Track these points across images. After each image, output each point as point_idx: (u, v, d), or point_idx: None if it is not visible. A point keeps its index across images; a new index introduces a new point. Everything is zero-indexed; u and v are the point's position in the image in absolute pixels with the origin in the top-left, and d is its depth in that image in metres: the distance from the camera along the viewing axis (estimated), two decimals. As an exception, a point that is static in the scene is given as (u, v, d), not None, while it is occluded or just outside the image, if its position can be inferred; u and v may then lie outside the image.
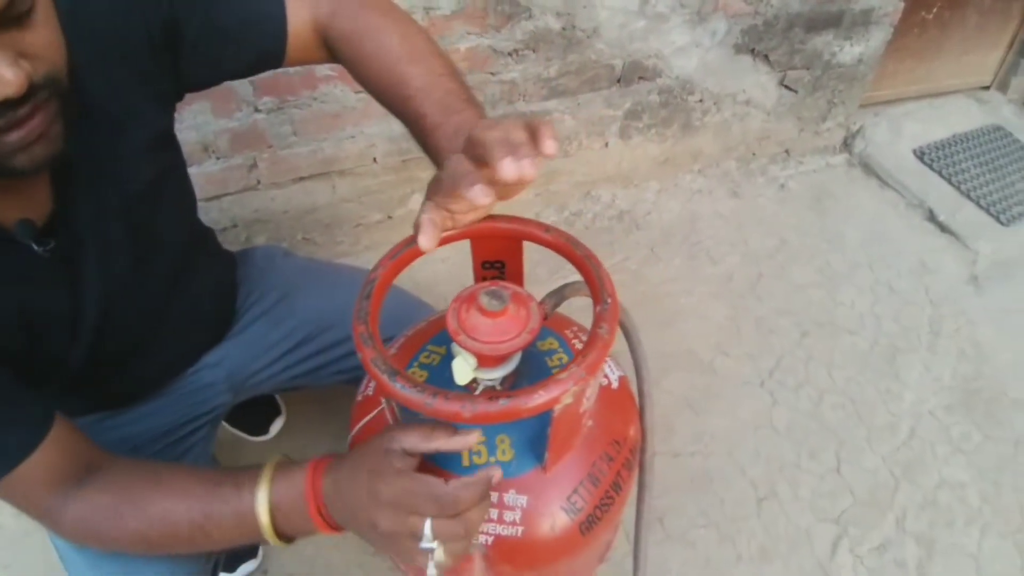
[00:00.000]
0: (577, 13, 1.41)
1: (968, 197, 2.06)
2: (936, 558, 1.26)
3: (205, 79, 0.72)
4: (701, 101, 1.76)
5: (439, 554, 0.51)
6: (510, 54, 1.41)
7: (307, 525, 0.57)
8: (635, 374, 0.74)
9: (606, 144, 1.72)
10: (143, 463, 0.64)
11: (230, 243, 1.46)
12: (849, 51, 1.89)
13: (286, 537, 0.60)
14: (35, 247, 0.58)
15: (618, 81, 1.59)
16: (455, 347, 0.58)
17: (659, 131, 1.77)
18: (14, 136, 0.47)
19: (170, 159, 0.74)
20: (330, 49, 0.71)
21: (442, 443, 0.54)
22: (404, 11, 0.71)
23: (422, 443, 0.53)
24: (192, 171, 1.31)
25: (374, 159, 1.45)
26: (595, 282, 0.59)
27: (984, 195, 2.06)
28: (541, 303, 0.63)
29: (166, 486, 0.60)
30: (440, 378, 0.66)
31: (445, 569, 0.53)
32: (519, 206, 1.74)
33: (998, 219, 1.99)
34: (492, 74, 1.43)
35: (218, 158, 1.34)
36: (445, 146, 0.62)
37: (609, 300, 0.57)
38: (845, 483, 1.34)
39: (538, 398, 0.51)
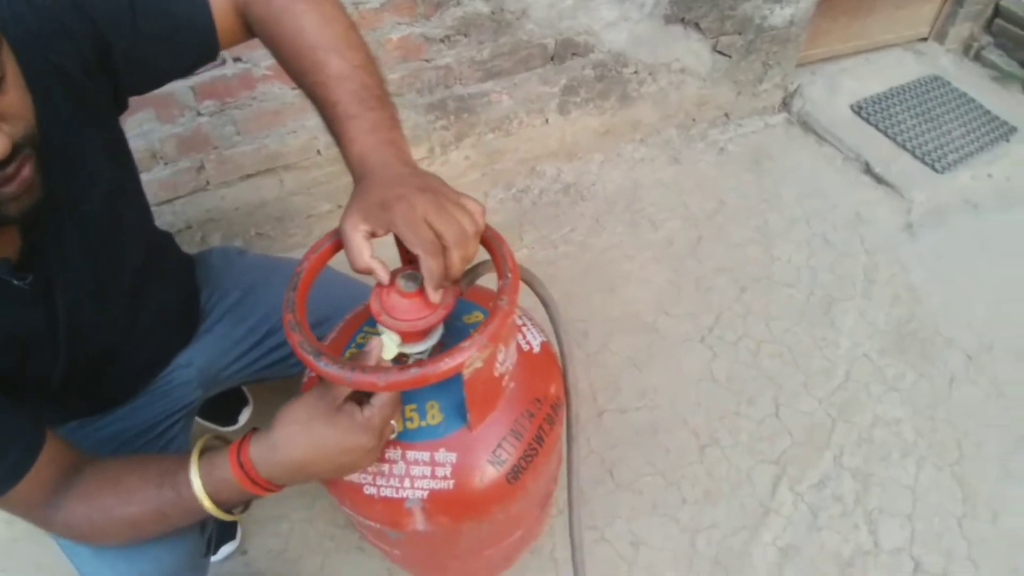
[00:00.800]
0: (505, -4, 1.46)
1: (904, 148, 2.14)
2: (873, 491, 1.36)
3: (145, 85, 0.75)
4: (636, 73, 1.82)
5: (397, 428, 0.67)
6: (442, 40, 1.46)
7: (244, 496, 0.65)
8: (556, 338, 0.81)
9: (546, 120, 1.78)
10: (107, 467, 0.69)
11: (186, 244, 1.50)
12: (779, 14, 1.95)
13: (234, 508, 0.67)
14: (15, 282, 0.64)
15: (552, 59, 1.64)
16: (380, 327, 0.65)
17: (597, 104, 1.83)
18: (5, 191, 0.52)
19: (122, 175, 0.77)
20: (251, 31, 0.74)
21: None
22: None
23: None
24: (143, 178, 1.35)
25: (318, 151, 1.49)
26: (498, 259, 0.66)
27: (920, 145, 2.14)
28: (456, 282, 0.69)
29: (124, 491, 0.67)
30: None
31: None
32: (467, 187, 1.80)
33: (933, 167, 2.08)
34: (427, 61, 1.48)
35: (166, 163, 1.38)
36: (359, 138, 0.66)
37: (510, 275, 0.64)
38: (783, 426, 1.44)
39: (444, 365, 0.58)
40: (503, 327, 0.61)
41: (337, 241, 0.66)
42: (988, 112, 2.32)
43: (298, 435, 0.62)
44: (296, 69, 0.71)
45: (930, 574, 1.26)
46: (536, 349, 0.83)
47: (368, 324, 0.82)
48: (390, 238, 0.61)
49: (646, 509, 1.29)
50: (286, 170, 1.50)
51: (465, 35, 1.48)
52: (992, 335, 1.64)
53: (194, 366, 0.96)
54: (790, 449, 1.40)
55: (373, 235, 0.59)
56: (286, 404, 0.64)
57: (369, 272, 0.59)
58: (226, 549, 1.21)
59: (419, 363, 0.58)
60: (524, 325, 0.85)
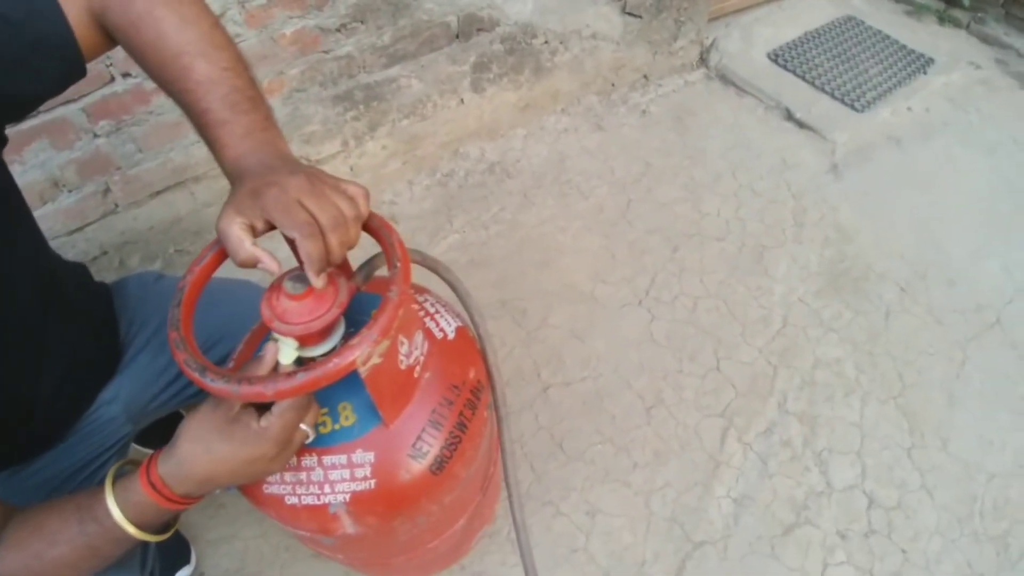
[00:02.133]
0: (398, -23, 1.42)
1: (823, 91, 2.17)
2: (820, 432, 1.39)
3: (16, 114, 0.69)
4: (547, 43, 1.80)
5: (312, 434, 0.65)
6: (338, 30, 1.41)
7: (164, 514, 0.63)
8: (470, 320, 0.79)
9: (461, 100, 1.74)
10: (29, 515, 0.66)
11: (104, 271, 1.44)
12: (684, -32, 1.96)
13: (162, 529, 0.65)
14: None
15: (457, 37, 1.61)
16: (273, 333, 0.62)
17: (511, 79, 1.80)
18: None
19: (5, 207, 0.71)
20: (113, 39, 0.68)
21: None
22: None
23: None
24: (47, 208, 1.29)
25: (225, 158, 1.44)
26: (387, 249, 0.64)
27: (838, 86, 2.17)
28: (353, 276, 0.67)
29: (48, 534, 0.64)
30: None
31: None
32: (390, 177, 1.76)
33: (853, 107, 2.11)
34: (325, 52, 1.43)
35: (70, 191, 1.31)
36: (233, 144, 0.63)
37: (399, 264, 0.62)
38: (726, 379, 1.46)
39: (333, 366, 0.56)
40: (394, 319, 0.59)
41: (220, 249, 0.63)
42: (904, 47, 2.37)
43: (198, 452, 0.60)
44: (162, 78, 0.66)
45: (885, 507, 1.29)
46: (451, 335, 0.81)
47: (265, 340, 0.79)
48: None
49: (599, 478, 1.29)
50: (196, 182, 1.44)
51: (361, 22, 1.43)
52: (924, 263, 1.69)
53: (119, 401, 0.92)
54: (734, 401, 1.42)
55: (252, 229, 0.56)
56: (186, 418, 0.62)
57: (254, 264, 0.56)
58: (182, 573, 1.17)
59: (307, 367, 0.56)
60: (436, 312, 0.83)
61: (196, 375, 0.55)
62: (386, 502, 0.70)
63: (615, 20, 1.91)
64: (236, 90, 0.65)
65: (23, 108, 0.70)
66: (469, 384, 0.78)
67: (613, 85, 2.09)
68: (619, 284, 1.61)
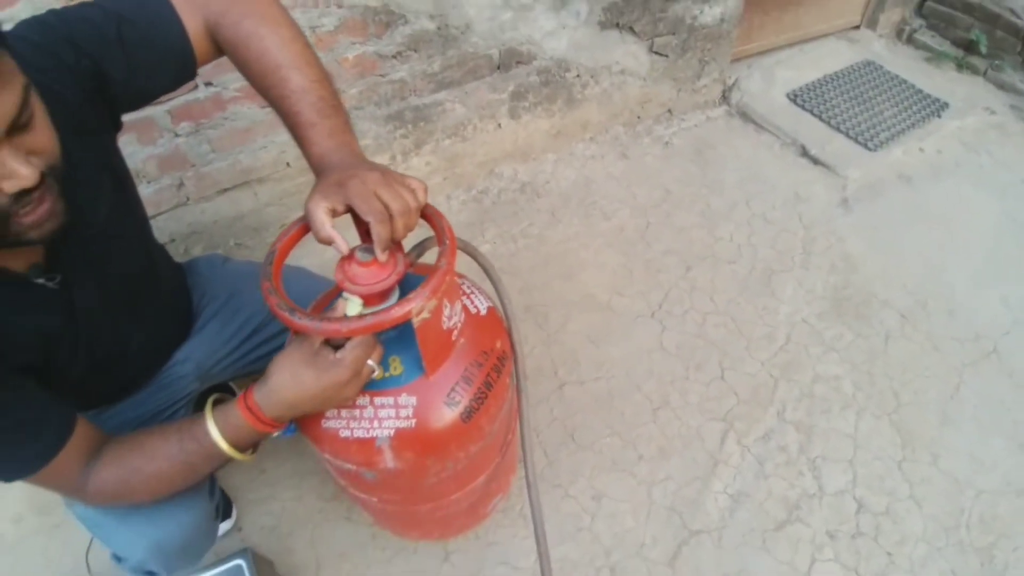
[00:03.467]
0: (448, 13, 1.60)
1: (838, 130, 2.29)
2: (816, 440, 1.49)
3: (137, 104, 0.86)
4: (578, 76, 1.97)
5: (377, 370, 0.79)
6: (394, 56, 1.59)
7: (255, 435, 0.78)
8: (499, 302, 0.93)
9: (499, 125, 1.92)
10: (129, 437, 0.81)
11: (171, 256, 1.61)
12: (709, 12, 2.11)
13: (247, 449, 0.80)
14: (47, 283, 0.75)
15: (498, 68, 1.79)
16: (344, 293, 0.77)
17: (545, 107, 1.97)
18: (29, 218, 0.62)
19: (121, 192, 0.87)
20: (221, 51, 0.85)
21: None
22: (283, 17, 0.82)
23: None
24: (129, 197, 1.47)
25: (287, 164, 1.62)
26: (439, 231, 0.79)
27: (853, 126, 2.29)
28: (407, 254, 0.82)
29: (149, 451, 0.79)
30: None
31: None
32: (430, 191, 1.92)
33: (866, 146, 2.23)
34: (382, 76, 1.61)
35: (149, 182, 1.49)
36: (319, 142, 0.79)
37: (447, 241, 0.77)
38: (729, 387, 1.57)
39: (395, 312, 0.71)
40: (442, 283, 0.74)
41: (303, 225, 0.79)
42: (920, 91, 2.48)
43: (287, 380, 0.75)
44: (262, 85, 0.82)
45: (873, 512, 1.38)
46: (482, 312, 0.95)
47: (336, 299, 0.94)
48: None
49: (606, 466, 1.41)
50: (259, 183, 1.62)
51: (415, 51, 1.61)
52: (926, 294, 1.78)
53: (191, 361, 1.08)
54: (736, 407, 1.53)
55: (334, 212, 0.71)
56: (276, 356, 0.77)
57: (330, 241, 0.71)
58: (223, 527, 1.31)
59: (373, 312, 0.71)
60: (471, 292, 0.97)
61: (286, 314, 0.71)
62: (423, 440, 0.83)
63: (643, 58, 2.07)
64: (322, 99, 0.81)
65: (143, 101, 0.87)
66: (495, 353, 0.92)
67: (639, 117, 2.24)
68: (634, 297, 1.74)
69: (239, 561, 1.07)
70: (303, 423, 0.86)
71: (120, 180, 0.89)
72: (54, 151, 0.63)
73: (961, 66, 2.62)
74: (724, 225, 1.94)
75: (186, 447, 0.78)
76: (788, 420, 1.52)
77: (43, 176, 0.61)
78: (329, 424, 0.83)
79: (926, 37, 2.75)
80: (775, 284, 1.80)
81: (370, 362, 0.78)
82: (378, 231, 0.69)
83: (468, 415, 0.86)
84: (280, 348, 1.16)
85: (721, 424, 1.50)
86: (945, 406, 1.56)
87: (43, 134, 0.61)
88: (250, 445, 0.81)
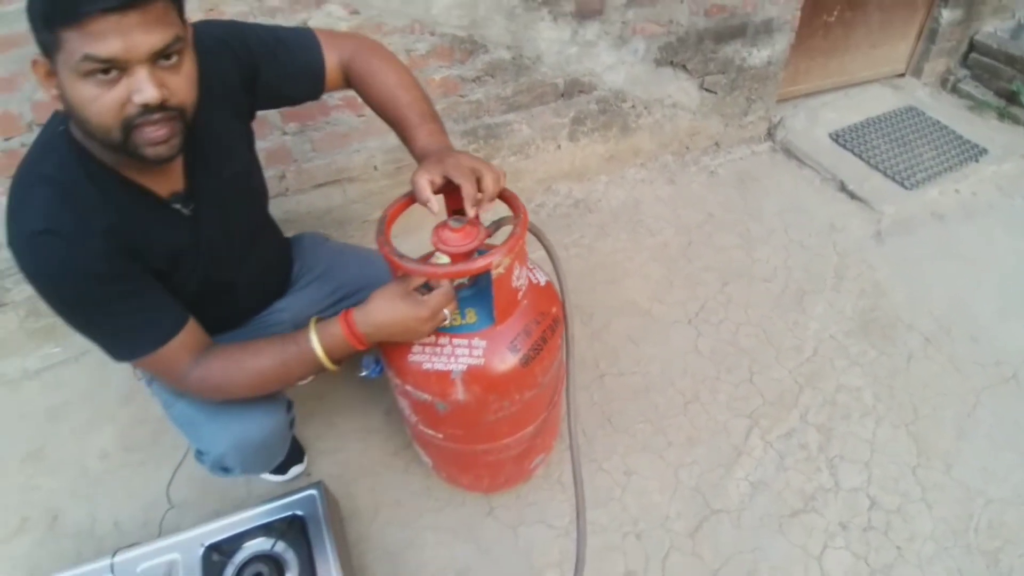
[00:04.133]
0: (523, 46, 1.84)
1: (876, 169, 2.43)
2: (834, 442, 1.61)
3: (270, 106, 1.14)
4: (633, 107, 2.18)
5: (449, 318, 0.99)
6: (474, 80, 1.84)
7: (346, 347, 0.98)
8: (555, 272, 1.12)
9: (559, 146, 2.14)
10: (239, 340, 1.03)
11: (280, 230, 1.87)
12: (757, 55, 2.31)
13: (337, 361, 1.00)
14: (182, 209, 0.99)
15: (562, 95, 2.01)
16: (437, 253, 0.98)
17: (602, 133, 2.19)
18: (146, 135, 0.80)
19: (251, 161, 1.14)
20: (348, 82, 1.13)
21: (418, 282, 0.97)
22: (394, 57, 1.12)
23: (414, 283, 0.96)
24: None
25: (375, 167, 1.87)
26: (515, 207, 1.00)
27: (891, 166, 2.42)
28: (488, 227, 1.03)
29: (253, 351, 1.01)
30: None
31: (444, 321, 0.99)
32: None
33: (903, 185, 2.35)
34: (461, 96, 1.85)
35: (257, 170, 1.76)
36: (420, 140, 1.05)
37: (521, 214, 0.98)
38: (756, 389, 1.71)
39: (479, 262, 0.91)
40: (516, 244, 0.94)
41: (410, 196, 1.01)
42: (960, 137, 2.60)
43: (383, 306, 0.96)
44: (379, 104, 1.11)
45: (885, 510, 1.49)
46: (542, 283, 1.15)
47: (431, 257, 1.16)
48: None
49: (638, 448, 1.57)
50: (349, 182, 1.87)
51: (492, 76, 1.85)
52: (950, 321, 1.89)
53: (287, 311, 1.31)
54: (761, 407, 1.67)
55: (432, 183, 0.94)
56: (378, 289, 0.98)
57: (427, 203, 0.94)
58: (295, 470, 1.51)
59: (463, 259, 0.92)
60: (533, 268, 1.17)
61: (395, 258, 0.92)
62: (488, 377, 1.03)
63: (693, 94, 2.27)
64: (424, 111, 1.09)
65: (275, 104, 1.15)
66: (550, 316, 1.11)
67: (687, 148, 2.43)
68: (673, 305, 1.90)
69: (312, 491, 1.27)
70: (391, 357, 1.06)
71: (251, 153, 1.15)
72: (186, 98, 0.84)
73: (1003, 115, 2.73)
74: (762, 248, 2.10)
75: (287, 349, 0.99)
76: (810, 422, 1.65)
77: (168, 108, 0.80)
78: (414, 358, 1.03)
79: (970, 87, 2.87)
80: (806, 303, 1.94)
81: (446, 311, 0.99)
82: (467, 189, 0.92)
83: (526, 361, 1.05)
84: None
85: (747, 421, 1.64)
86: (961, 422, 1.66)
87: (183, 80, 0.83)
88: (340, 357, 1.00)
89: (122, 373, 1.76)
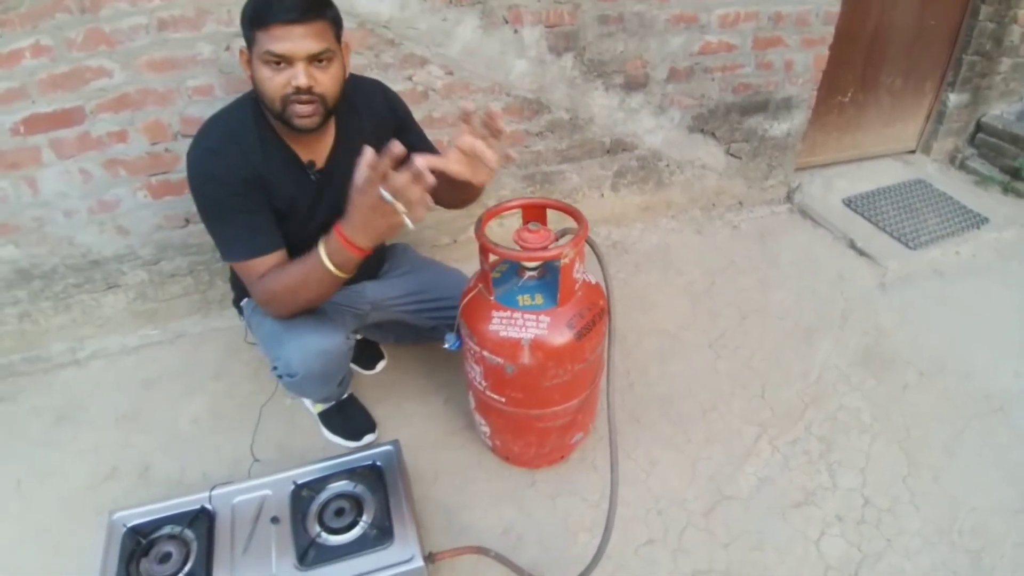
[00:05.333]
0: (579, 109, 2.23)
1: (884, 231, 2.71)
2: (834, 451, 1.83)
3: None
4: (668, 166, 2.54)
5: (402, 209, 1.08)
6: (537, 134, 2.22)
7: (344, 252, 1.18)
8: (603, 276, 1.44)
9: (602, 195, 2.50)
10: (286, 265, 1.35)
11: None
12: (778, 127, 2.67)
13: (339, 267, 1.21)
14: (311, 175, 1.38)
15: (608, 152, 2.39)
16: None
17: (639, 186, 2.54)
18: (296, 108, 1.22)
19: None
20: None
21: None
22: None
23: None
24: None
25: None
26: (579, 220, 1.34)
27: (898, 229, 2.70)
28: (556, 234, 1.36)
29: (288, 268, 1.32)
30: (510, 273, 1.40)
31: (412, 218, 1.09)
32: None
33: (907, 245, 2.62)
34: (526, 146, 2.24)
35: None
36: None
37: (582, 223, 1.31)
38: (767, 404, 1.97)
39: (549, 252, 1.24)
40: (579, 242, 1.28)
41: (499, 207, 1.35)
42: (964, 207, 2.86)
43: (353, 208, 1.12)
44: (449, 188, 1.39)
45: (877, 508, 1.69)
46: (592, 283, 1.47)
47: (503, 263, 1.49)
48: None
49: (661, 443, 1.83)
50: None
51: (552, 132, 2.24)
52: (945, 361, 2.11)
53: (369, 291, 1.69)
54: (771, 419, 1.92)
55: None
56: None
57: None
58: (368, 438, 1.80)
59: (540, 247, 1.25)
60: (587, 272, 1.49)
61: (491, 244, 1.25)
62: (549, 346, 1.34)
63: (720, 158, 2.63)
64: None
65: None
66: (598, 307, 1.42)
67: (714, 204, 2.77)
68: (697, 332, 2.20)
69: (390, 447, 1.55)
70: (474, 328, 1.38)
71: None
72: (327, 90, 1.25)
73: (1007, 190, 2.99)
74: (777, 291, 2.39)
75: (306, 262, 1.24)
76: (813, 433, 1.89)
77: (314, 93, 1.22)
78: (492, 327, 1.35)
79: (976, 164, 3.14)
80: (814, 338, 2.21)
81: (386, 195, 1.05)
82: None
83: (579, 337, 1.36)
84: (432, 313, 1.72)
85: (757, 428, 1.89)
86: (950, 442, 1.86)
87: (328, 78, 1.25)
88: (340, 262, 1.19)
89: (214, 352, 2.12)
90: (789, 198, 2.91)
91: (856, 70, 2.85)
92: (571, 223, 1.39)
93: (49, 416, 1.94)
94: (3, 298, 1.96)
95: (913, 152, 3.29)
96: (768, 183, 2.82)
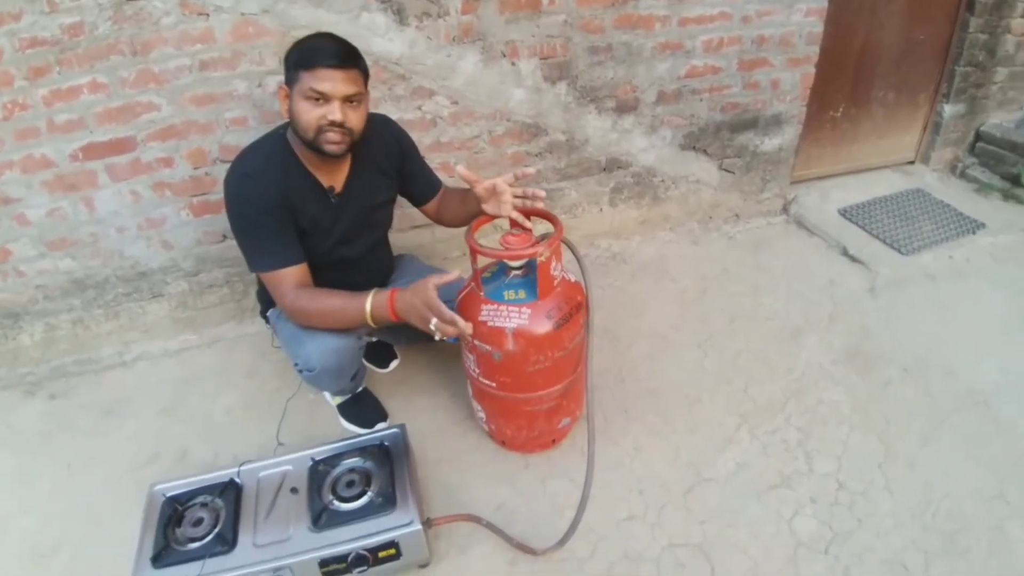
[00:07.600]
0: (575, 131, 2.44)
1: (878, 238, 2.79)
2: (812, 440, 1.93)
3: (401, 192, 1.81)
4: (663, 181, 2.72)
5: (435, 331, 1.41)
6: (536, 155, 2.43)
7: (385, 313, 1.49)
8: (581, 275, 1.63)
9: (600, 210, 2.69)
10: (322, 288, 1.59)
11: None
12: (769, 143, 2.82)
13: (375, 321, 1.52)
14: (331, 199, 1.61)
15: (604, 169, 2.58)
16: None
17: (636, 201, 2.73)
18: (328, 136, 1.46)
19: (387, 200, 1.79)
20: (437, 212, 1.84)
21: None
22: None
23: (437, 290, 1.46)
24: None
25: (456, 217, 2.46)
26: (555, 222, 1.53)
27: (891, 236, 2.78)
28: (536, 238, 1.56)
29: (328, 295, 1.56)
30: (499, 272, 1.60)
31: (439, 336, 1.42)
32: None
33: (899, 251, 2.70)
34: (526, 166, 2.44)
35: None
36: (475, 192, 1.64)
37: (558, 226, 1.51)
38: (750, 398, 2.10)
39: (529, 250, 1.44)
40: (555, 242, 1.47)
41: (488, 217, 1.56)
42: (961, 214, 2.92)
43: (413, 298, 1.44)
44: (461, 209, 1.74)
45: (852, 491, 1.78)
46: (571, 280, 1.66)
47: (492, 265, 1.69)
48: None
49: (647, 432, 1.98)
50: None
51: (550, 152, 2.45)
52: (929, 360, 2.20)
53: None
54: (752, 410, 2.05)
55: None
56: (418, 284, 1.45)
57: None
58: (380, 426, 1.99)
59: (518, 245, 1.45)
60: (566, 270, 1.68)
61: (477, 247, 1.46)
62: (531, 335, 1.52)
63: (713, 173, 2.80)
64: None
65: (403, 194, 1.85)
66: (575, 301, 1.61)
67: (710, 217, 2.93)
68: (686, 333, 2.35)
69: (397, 429, 1.73)
70: (467, 318, 1.57)
71: (388, 199, 1.79)
72: (355, 125, 1.50)
73: (1006, 196, 3.04)
74: (767, 296, 2.53)
75: (349, 301, 1.52)
76: (792, 424, 2.01)
77: (344, 127, 1.45)
78: (482, 318, 1.54)
79: (977, 172, 3.20)
80: (801, 338, 2.33)
81: (434, 323, 1.39)
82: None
83: (558, 326, 1.54)
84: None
85: (738, 419, 2.03)
86: (928, 433, 1.94)
87: (356, 116, 1.50)
88: (377, 317, 1.50)
89: (248, 352, 2.35)
90: (785, 210, 3.05)
91: (846, 86, 2.98)
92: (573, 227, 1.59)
93: (97, 410, 2.19)
94: (59, 306, 2.23)
95: (912, 163, 3.37)
96: (763, 196, 2.96)
